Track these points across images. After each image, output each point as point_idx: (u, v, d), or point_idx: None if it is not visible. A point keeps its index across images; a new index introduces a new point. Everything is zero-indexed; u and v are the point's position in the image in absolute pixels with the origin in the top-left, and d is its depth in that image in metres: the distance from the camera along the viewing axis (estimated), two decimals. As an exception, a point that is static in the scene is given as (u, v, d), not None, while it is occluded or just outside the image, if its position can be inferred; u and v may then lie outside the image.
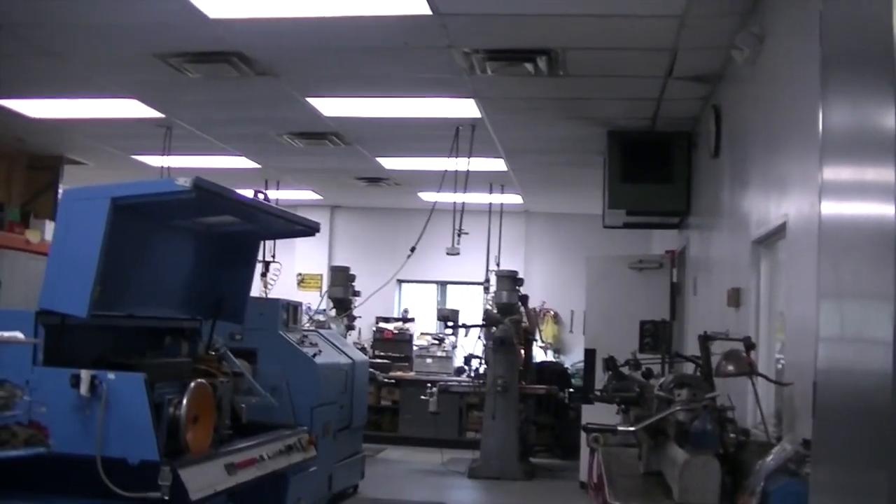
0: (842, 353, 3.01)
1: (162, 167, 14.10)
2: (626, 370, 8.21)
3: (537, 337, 18.22)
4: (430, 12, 8.04)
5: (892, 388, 2.40)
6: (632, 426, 6.14)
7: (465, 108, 11.32)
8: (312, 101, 11.26)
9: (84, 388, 5.81)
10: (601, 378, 10.48)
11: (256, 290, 11.80)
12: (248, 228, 7.74)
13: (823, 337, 3.13)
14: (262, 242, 9.18)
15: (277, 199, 15.29)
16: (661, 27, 8.34)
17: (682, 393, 5.67)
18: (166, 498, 5.66)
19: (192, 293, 7.77)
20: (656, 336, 9.53)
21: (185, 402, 6.26)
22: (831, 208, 3.14)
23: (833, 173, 3.16)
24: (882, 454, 2.51)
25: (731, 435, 5.47)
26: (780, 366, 6.84)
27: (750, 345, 6.14)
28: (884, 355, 2.45)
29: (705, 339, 6.66)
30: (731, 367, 5.88)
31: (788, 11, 6.59)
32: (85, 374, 5.84)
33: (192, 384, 6.42)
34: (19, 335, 5.17)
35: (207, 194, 6.16)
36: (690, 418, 5.35)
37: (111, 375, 5.89)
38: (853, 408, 2.83)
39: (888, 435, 2.44)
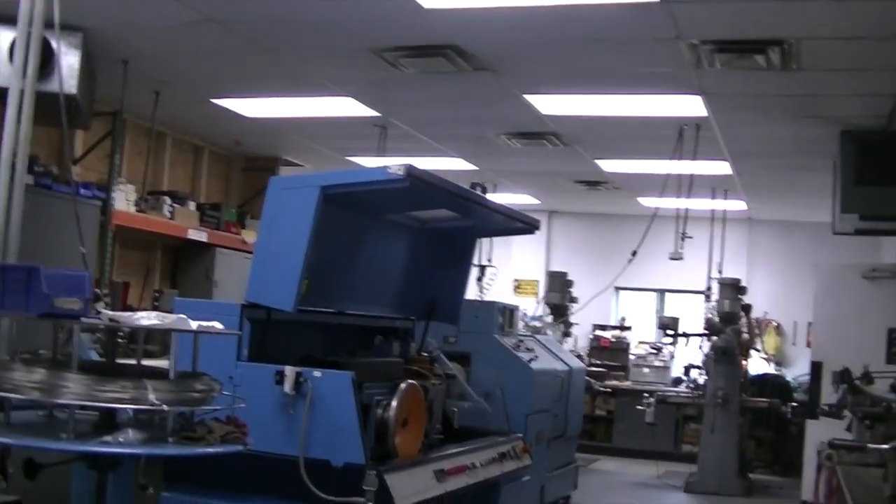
0: None
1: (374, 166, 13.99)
2: (859, 384, 7.68)
3: (759, 348, 17.63)
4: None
5: None
6: (881, 444, 5.60)
7: (690, 106, 10.80)
8: (530, 98, 10.91)
9: (288, 386, 5.62)
10: (827, 392, 9.91)
11: (472, 294, 11.57)
12: (463, 225, 7.47)
13: None
14: (478, 242, 8.86)
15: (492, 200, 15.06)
16: (908, 10, 7.71)
17: (938, 409, 5.14)
18: (371, 504, 5.40)
19: (405, 292, 7.54)
20: (906, 345, 8.91)
21: (394, 403, 6.01)
22: None
23: None
24: None
25: None
26: None
27: None
28: None
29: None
30: None
31: None
32: (290, 371, 5.65)
33: (403, 385, 6.18)
34: (218, 325, 4.94)
35: (421, 183, 5.88)
36: (950, 438, 4.82)
37: (317, 373, 5.68)
38: None
39: None
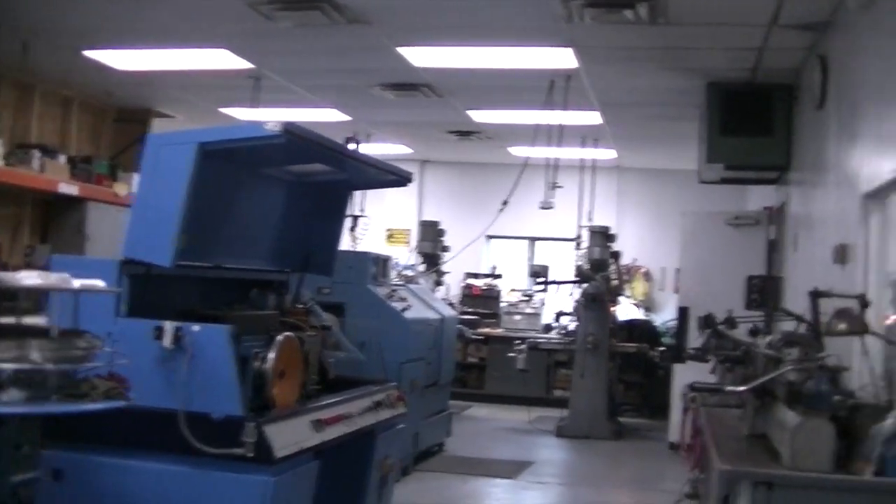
0: None
1: (251, 121, 13.96)
2: (722, 328, 7.93)
3: (628, 294, 18.01)
4: (527, -46, 7.75)
5: None
6: (739, 386, 5.85)
7: (561, 58, 11.00)
8: (404, 50, 11.01)
9: (167, 341, 5.66)
10: (694, 337, 10.21)
11: (345, 244, 11.66)
12: (338, 178, 7.54)
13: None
14: (352, 194, 8.95)
15: (367, 154, 15.15)
16: (770, -31, 7.96)
17: (793, 352, 5.39)
18: (251, 455, 5.50)
19: (281, 245, 7.61)
20: (763, 292, 9.20)
21: (271, 355, 6.09)
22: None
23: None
24: None
25: (841, 398, 5.18)
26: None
27: (865, 303, 5.83)
28: None
29: (816, 296, 6.28)
30: (843, 326, 5.57)
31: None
32: (168, 326, 5.69)
33: (280, 337, 6.25)
34: (100, 283, 5.00)
35: (297, 139, 5.94)
36: (803, 379, 5.07)
37: (195, 327, 5.73)
38: None
39: None
